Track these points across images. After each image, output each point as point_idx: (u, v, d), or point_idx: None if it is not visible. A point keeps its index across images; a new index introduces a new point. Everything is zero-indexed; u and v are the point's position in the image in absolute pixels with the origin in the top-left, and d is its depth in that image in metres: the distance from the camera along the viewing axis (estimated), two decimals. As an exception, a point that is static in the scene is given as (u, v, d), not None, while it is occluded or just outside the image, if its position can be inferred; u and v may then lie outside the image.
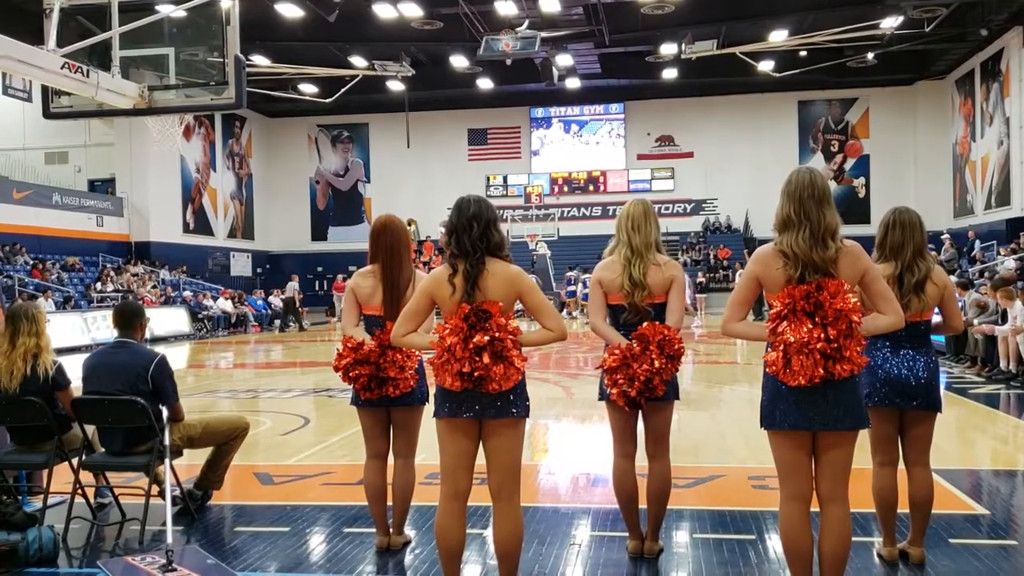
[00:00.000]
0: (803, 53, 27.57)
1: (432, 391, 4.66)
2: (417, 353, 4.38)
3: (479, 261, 3.55)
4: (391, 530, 4.65)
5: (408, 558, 4.56)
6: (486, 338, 3.42)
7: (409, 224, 33.81)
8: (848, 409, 3.36)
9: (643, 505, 4.42)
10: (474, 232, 3.57)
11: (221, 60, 7.65)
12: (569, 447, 8.01)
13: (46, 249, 25.15)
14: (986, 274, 19.42)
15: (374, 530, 4.68)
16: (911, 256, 4.12)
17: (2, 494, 4.86)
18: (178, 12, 7.74)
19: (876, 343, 4.14)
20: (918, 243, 4.14)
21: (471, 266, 3.55)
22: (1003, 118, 26.17)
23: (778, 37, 25.45)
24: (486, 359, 3.41)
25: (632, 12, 24.82)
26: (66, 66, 6.78)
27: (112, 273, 25.83)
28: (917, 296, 4.09)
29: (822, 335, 3.23)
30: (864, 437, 3.88)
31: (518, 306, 3.69)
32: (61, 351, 14.46)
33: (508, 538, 3.65)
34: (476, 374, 3.42)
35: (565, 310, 27.93)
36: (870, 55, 27.46)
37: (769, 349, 3.39)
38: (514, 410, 3.58)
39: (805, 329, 3.24)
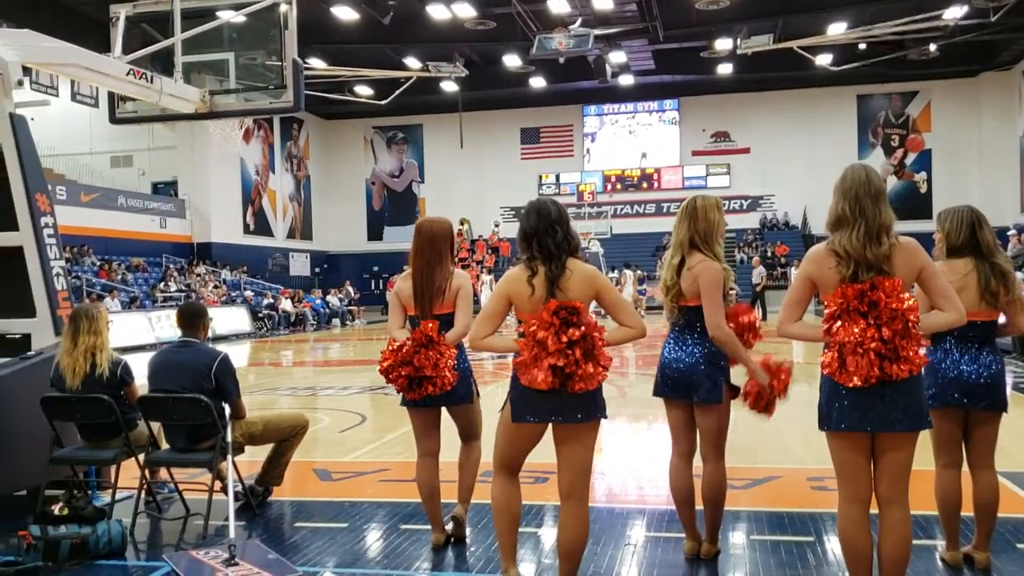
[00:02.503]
0: (862, 46, 27.01)
1: (479, 388, 4.72)
2: (453, 351, 4.39)
3: (563, 264, 3.58)
4: (458, 503, 4.71)
5: (465, 554, 4.60)
6: (579, 333, 3.42)
7: (462, 224, 34.18)
8: (907, 410, 3.29)
9: (700, 506, 4.39)
10: (558, 235, 3.61)
11: (279, 64, 7.81)
12: (624, 446, 7.98)
13: (112, 250, 25.85)
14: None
15: (430, 527, 4.73)
16: (998, 252, 4.07)
17: (74, 489, 5.01)
18: (238, 17, 7.91)
19: (942, 342, 4.06)
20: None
21: (554, 268, 3.57)
22: (1073, 109, 25.35)
23: (836, 30, 24.96)
24: (579, 354, 3.41)
25: (686, 7, 24.60)
26: (131, 72, 6.98)
27: (175, 273, 26.43)
28: (1006, 288, 4.01)
29: (876, 335, 3.16)
30: (927, 438, 3.81)
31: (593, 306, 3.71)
32: (127, 350, 14.90)
33: (576, 539, 3.67)
34: (568, 370, 3.42)
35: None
36: (932, 47, 26.78)
37: (825, 350, 3.34)
38: (597, 413, 3.62)
39: (858, 329, 3.18)
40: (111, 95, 7.83)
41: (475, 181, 35.87)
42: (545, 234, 3.61)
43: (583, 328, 3.43)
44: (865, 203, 3.32)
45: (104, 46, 7.43)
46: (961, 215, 4.14)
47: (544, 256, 3.60)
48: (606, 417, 3.67)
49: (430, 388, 4.37)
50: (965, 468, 4.18)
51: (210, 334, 5.65)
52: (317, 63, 25.72)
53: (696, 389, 4.17)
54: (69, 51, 6.47)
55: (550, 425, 3.68)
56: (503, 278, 3.74)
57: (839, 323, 3.24)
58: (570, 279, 3.58)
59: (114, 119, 8.00)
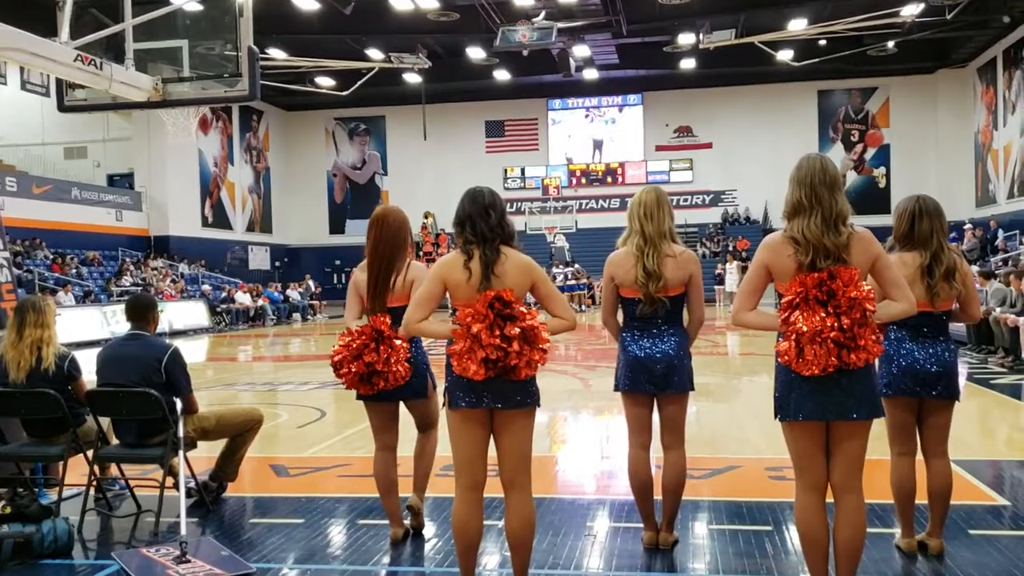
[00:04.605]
0: (822, 42, 27.28)
1: (435, 380, 4.66)
2: (405, 345, 4.34)
3: (496, 248, 3.56)
4: (412, 491, 4.69)
5: (424, 548, 4.55)
6: (517, 329, 3.39)
7: (426, 217, 34.04)
8: (862, 398, 3.31)
9: (659, 496, 4.38)
10: (492, 219, 3.60)
11: (235, 52, 7.65)
12: (586, 438, 7.98)
13: (66, 244, 25.29)
14: (1009, 263, 19.20)
15: (388, 522, 4.66)
16: (938, 245, 4.06)
17: (18, 486, 4.87)
18: (192, 4, 7.74)
19: (895, 332, 4.09)
20: (944, 231, 4.10)
21: (488, 252, 3.55)
22: (1026, 106, 25.82)
23: (797, 26, 25.19)
24: (516, 346, 3.39)
25: (649, 2, 24.66)
26: (79, 59, 6.78)
27: (131, 267, 25.98)
28: (948, 284, 4.03)
29: (835, 324, 3.17)
30: (882, 427, 3.82)
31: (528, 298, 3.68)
32: (80, 345, 14.61)
33: (522, 528, 3.64)
34: (511, 362, 3.39)
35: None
36: (890, 43, 27.15)
37: (781, 339, 3.33)
38: (530, 400, 3.60)
39: (818, 318, 3.18)
40: (59, 82, 7.60)
41: (439, 174, 35.64)
42: (479, 218, 3.61)
43: (520, 321, 3.41)
44: (821, 191, 3.32)
45: (52, 31, 7.22)
46: (904, 207, 4.18)
47: (479, 240, 3.58)
48: (539, 406, 3.66)
49: (381, 383, 4.32)
50: (920, 456, 4.22)
51: (167, 328, 5.53)
52: (277, 53, 25.38)
53: (676, 379, 4.19)
54: (10, 35, 6.27)
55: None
56: (438, 262, 3.70)
57: (797, 312, 3.23)
58: (505, 264, 3.56)
59: (63, 107, 7.76)
